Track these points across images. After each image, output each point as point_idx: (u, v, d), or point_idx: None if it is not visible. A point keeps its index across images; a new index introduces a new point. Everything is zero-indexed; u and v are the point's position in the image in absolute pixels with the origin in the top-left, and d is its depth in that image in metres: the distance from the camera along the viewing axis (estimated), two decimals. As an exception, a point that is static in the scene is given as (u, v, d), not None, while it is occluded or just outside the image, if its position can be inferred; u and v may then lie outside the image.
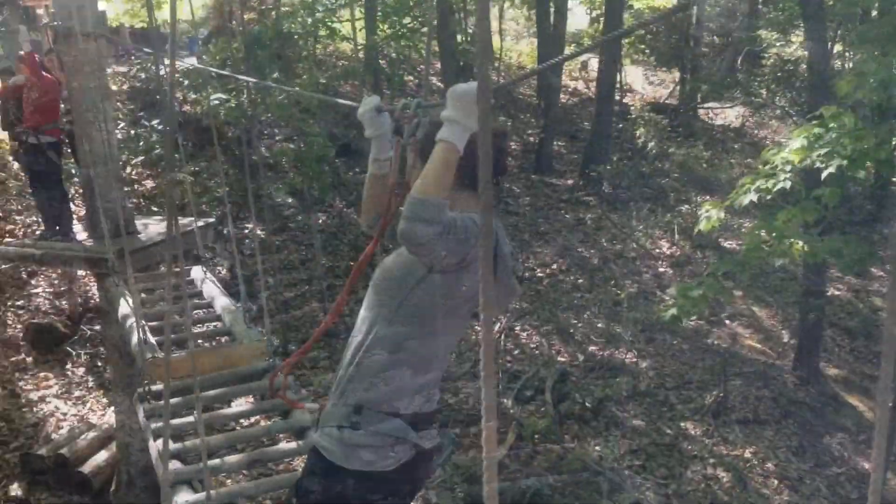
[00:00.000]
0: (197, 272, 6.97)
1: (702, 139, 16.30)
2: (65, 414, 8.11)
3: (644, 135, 15.23)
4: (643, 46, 20.05)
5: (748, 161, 16.24)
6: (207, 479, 3.18)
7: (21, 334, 8.91)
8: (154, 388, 4.62)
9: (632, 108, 17.75)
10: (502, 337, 10.23)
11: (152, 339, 5.12)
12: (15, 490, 7.10)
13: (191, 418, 4.46)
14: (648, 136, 15.14)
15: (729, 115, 19.56)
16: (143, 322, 5.38)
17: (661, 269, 12.40)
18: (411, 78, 17.78)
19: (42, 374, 8.51)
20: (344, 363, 2.28)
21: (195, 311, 6.61)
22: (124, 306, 5.94)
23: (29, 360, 8.65)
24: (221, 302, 6.37)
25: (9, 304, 9.32)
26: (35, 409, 8.06)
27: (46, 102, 7.37)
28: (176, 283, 6.96)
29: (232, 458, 4.68)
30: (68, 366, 8.74)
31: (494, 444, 0.80)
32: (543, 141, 15.59)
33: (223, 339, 6.17)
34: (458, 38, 16.08)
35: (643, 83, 21.17)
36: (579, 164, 15.33)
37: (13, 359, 8.59)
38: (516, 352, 10.06)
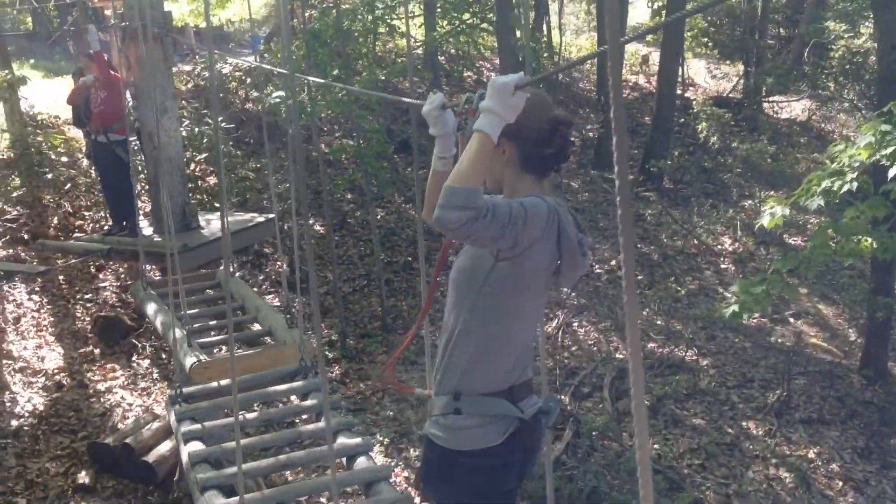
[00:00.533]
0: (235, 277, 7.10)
1: (766, 133, 15.92)
2: (130, 404, 8.33)
3: (706, 129, 14.95)
4: (706, 40, 19.67)
5: (814, 156, 15.83)
6: (240, 484, 3.23)
7: (89, 327, 9.19)
8: (186, 389, 4.70)
9: (694, 102, 17.45)
10: (560, 333, 10.18)
11: (196, 344, 5.21)
12: (83, 478, 7.31)
13: (223, 421, 4.53)
14: (711, 130, 14.86)
15: (795, 108, 19.08)
16: (180, 327, 5.47)
17: (723, 266, 12.17)
18: (470, 74, 17.78)
19: (109, 366, 8.76)
20: (438, 357, 2.43)
21: (237, 312, 6.72)
22: (152, 308, 6.05)
23: (97, 351, 8.90)
24: (257, 302, 6.48)
25: (78, 297, 9.61)
26: (102, 400, 8.30)
27: (114, 101, 7.56)
28: (200, 287, 7.12)
29: (263, 463, 4.74)
30: (134, 358, 8.98)
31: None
32: (603, 136, 15.44)
33: (268, 339, 6.26)
34: (517, 33, 16.01)
35: (706, 77, 20.77)
36: (639, 160, 15.13)
37: (82, 350, 8.85)
38: (574, 348, 9.99)
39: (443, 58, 16.29)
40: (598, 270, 11.69)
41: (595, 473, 7.68)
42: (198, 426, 4.48)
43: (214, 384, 5.04)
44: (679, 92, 16.60)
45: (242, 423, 5.28)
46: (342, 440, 4.42)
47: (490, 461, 2.32)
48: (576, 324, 10.51)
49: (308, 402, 4.83)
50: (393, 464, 7.59)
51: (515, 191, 2.33)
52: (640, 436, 0.95)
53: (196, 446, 4.15)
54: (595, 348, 9.96)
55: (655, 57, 18.51)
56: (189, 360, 4.98)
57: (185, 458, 4.10)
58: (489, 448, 2.31)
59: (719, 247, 12.68)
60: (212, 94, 10.18)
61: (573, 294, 11.12)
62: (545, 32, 18.32)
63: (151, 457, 7.47)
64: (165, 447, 7.65)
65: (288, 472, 6.83)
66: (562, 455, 8.08)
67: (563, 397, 8.96)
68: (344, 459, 4.39)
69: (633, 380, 0.96)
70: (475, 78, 17.15)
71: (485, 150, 2.08)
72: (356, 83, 10.98)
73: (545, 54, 15.63)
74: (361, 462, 4.13)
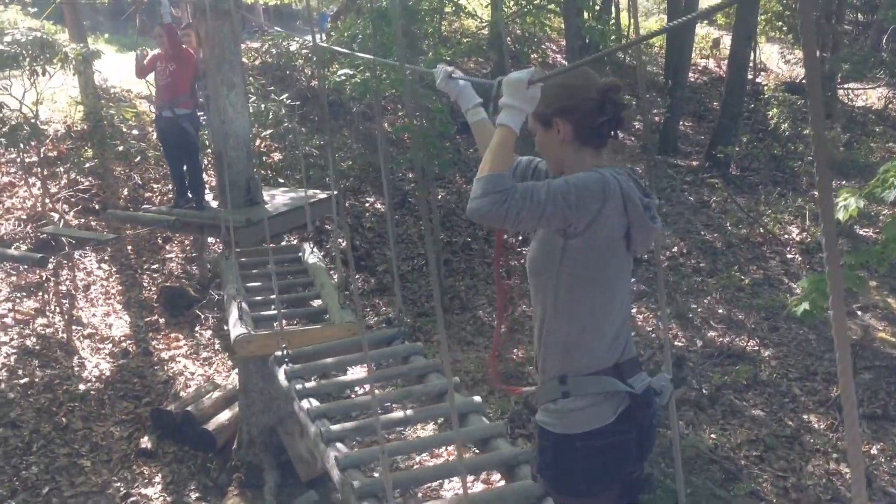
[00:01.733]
0: (305, 249, 7.17)
1: (840, 121, 15.43)
2: (192, 373, 8.55)
3: (777, 116, 14.56)
4: (780, 24, 19.12)
5: (889, 145, 15.30)
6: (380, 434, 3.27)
7: (155, 297, 9.43)
8: (292, 351, 4.82)
9: (765, 87, 17.00)
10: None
11: (248, 317, 5.30)
12: (145, 442, 7.55)
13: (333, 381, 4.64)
14: (782, 117, 14.47)
15: (871, 96, 18.44)
16: (242, 298, 5.58)
17: (790, 256, 11.88)
18: (536, 56, 17.62)
19: (173, 335, 9.00)
20: (535, 347, 2.44)
21: (297, 288, 6.81)
22: (225, 278, 6.18)
23: (161, 321, 9.15)
24: (323, 279, 6.53)
25: (144, 267, 9.88)
26: (165, 368, 8.53)
27: (182, 75, 7.67)
28: (279, 260, 7.23)
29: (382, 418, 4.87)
30: (197, 328, 9.20)
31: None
32: (669, 120, 15.16)
33: (325, 317, 6.33)
34: (585, 14, 15.80)
35: (778, 62, 20.20)
36: (706, 145, 14.82)
37: (147, 319, 9.10)
38: (632, 334, 9.85)
39: (509, 38, 16.16)
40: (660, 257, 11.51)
41: (650, 461, 7.60)
42: (313, 384, 4.63)
43: (317, 347, 5.15)
44: (750, 77, 16.18)
45: (349, 383, 5.42)
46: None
47: (606, 440, 2.29)
48: (634, 309, 10.39)
49: (409, 366, 4.89)
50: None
51: (577, 167, 2.32)
52: (850, 429, 0.94)
53: (310, 403, 4.29)
54: (654, 335, 9.84)
55: (727, 41, 18.07)
56: (235, 332, 5.09)
57: (302, 414, 4.24)
58: (604, 427, 2.28)
59: (786, 236, 12.38)
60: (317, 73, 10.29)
61: (632, 279, 10.99)
62: (613, 14, 18.03)
63: (211, 425, 7.67)
64: (225, 416, 7.84)
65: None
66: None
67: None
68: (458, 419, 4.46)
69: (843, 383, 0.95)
70: (540, 60, 16.97)
71: (507, 141, 2.17)
72: (422, 63, 10.97)
73: (612, 37, 15.38)
74: (475, 420, 4.15)
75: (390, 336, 5.31)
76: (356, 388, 6.42)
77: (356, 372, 6.89)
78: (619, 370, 2.33)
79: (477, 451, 4.23)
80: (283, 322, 5.19)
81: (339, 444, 3.89)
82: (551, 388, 2.35)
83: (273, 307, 6.67)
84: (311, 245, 7.33)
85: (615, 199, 2.18)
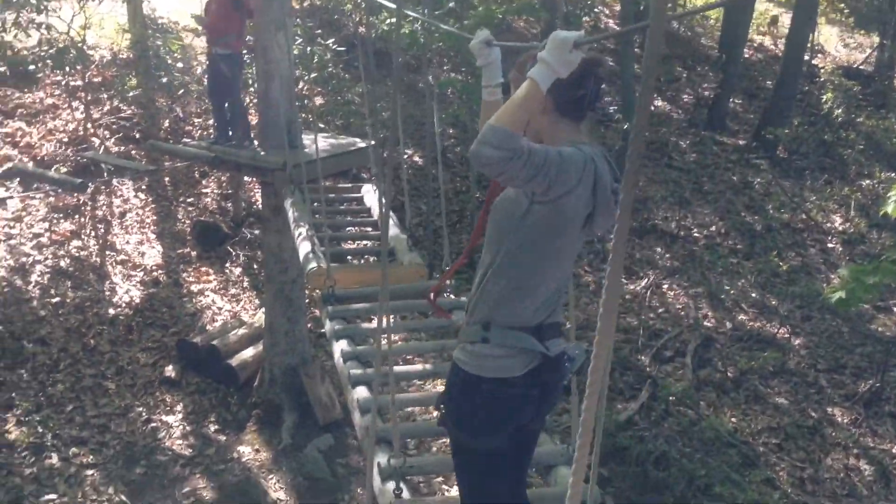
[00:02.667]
0: (367, 189, 7.11)
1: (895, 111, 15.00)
2: (220, 308, 8.62)
3: (831, 100, 14.18)
4: (842, 6, 18.55)
5: (945, 140, 14.86)
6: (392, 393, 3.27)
7: (188, 230, 9.49)
8: (337, 292, 4.80)
9: (821, 70, 16.55)
10: (648, 293, 9.98)
11: (319, 251, 5.27)
12: (170, 371, 7.65)
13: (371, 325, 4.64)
14: (836, 102, 14.08)
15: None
16: (313, 232, 5.57)
17: (830, 245, 11.65)
18: (588, 20, 17.28)
19: (203, 269, 9.06)
20: (473, 288, 2.55)
21: (363, 228, 6.78)
22: (292, 213, 6.14)
23: (193, 254, 9.21)
24: (389, 221, 6.48)
25: (180, 199, 9.92)
26: (194, 301, 8.61)
27: (222, 15, 7.57)
28: (342, 199, 7.19)
29: (412, 368, 4.83)
30: (227, 264, 9.25)
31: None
32: (719, 96, 14.81)
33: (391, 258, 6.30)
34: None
35: (837, 45, 19.65)
36: (755, 125, 14.49)
37: (179, 251, 9.17)
38: (661, 310, 9.78)
39: (562, -1, 15.85)
40: (695, 234, 11.35)
41: (667, 438, 7.57)
42: (350, 326, 4.63)
43: (365, 290, 5.15)
44: (806, 58, 15.74)
45: (390, 330, 5.42)
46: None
47: (509, 391, 2.43)
48: (665, 286, 10.27)
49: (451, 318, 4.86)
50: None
51: (555, 138, 2.41)
52: None
53: (346, 345, 4.29)
54: (683, 313, 9.74)
55: (786, 19, 17.59)
56: (310, 266, 5.08)
57: (337, 354, 4.26)
58: (510, 378, 2.42)
59: (828, 225, 12.12)
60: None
61: (666, 255, 10.86)
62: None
63: (235, 361, 7.76)
64: (249, 353, 7.91)
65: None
66: (634, 415, 7.99)
67: (642, 358, 8.83)
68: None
69: None
70: (592, 24, 16.63)
71: (532, 96, 2.18)
72: (471, 17, 10.80)
73: (668, 4, 15.02)
74: None
75: (420, 288, 5.28)
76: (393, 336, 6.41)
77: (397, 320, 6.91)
78: (539, 331, 2.45)
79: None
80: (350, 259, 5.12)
81: (362, 388, 3.89)
82: (474, 331, 2.48)
83: (336, 244, 6.66)
84: (374, 187, 7.26)
85: (588, 179, 2.29)
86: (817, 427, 8.06)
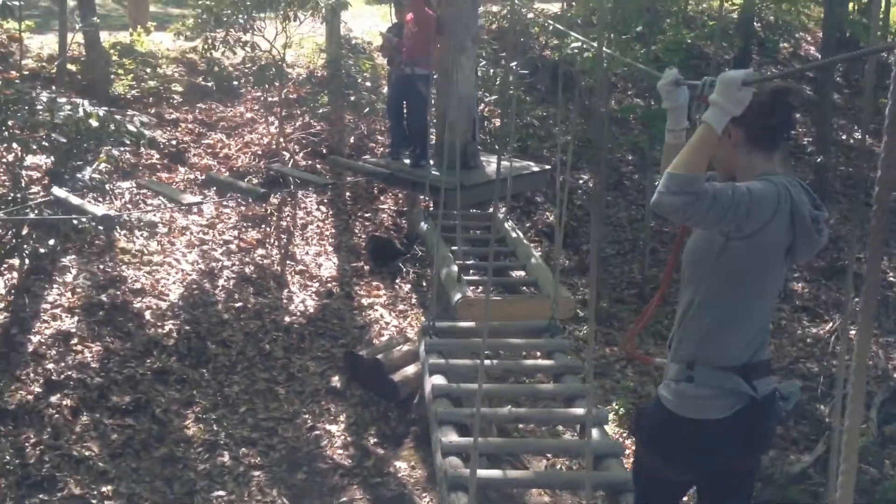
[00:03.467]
0: (504, 217, 7.09)
1: None
2: (387, 323, 8.82)
3: None
4: None
5: None
6: (476, 426, 3.23)
7: (363, 244, 9.80)
8: (439, 324, 4.79)
9: None
10: (833, 338, 9.30)
11: (463, 280, 5.28)
12: (336, 381, 7.91)
13: (468, 361, 4.57)
14: None
15: None
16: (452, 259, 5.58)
17: None
18: (787, 46, 16.40)
19: (375, 284, 9.31)
20: (674, 327, 2.55)
21: (506, 258, 6.74)
22: (433, 237, 6.19)
23: (366, 268, 9.49)
24: (528, 251, 6.41)
25: (358, 214, 10.28)
26: (364, 314, 8.86)
27: (423, 37, 7.79)
28: (476, 226, 7.18)
29: (500, 411, 4.73)
30: (397, 280, 9.47)
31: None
32: None
33: (530, 290, 6.23)
34: (851, 5, 14.48)
35: None
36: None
37: (353, 265, 9.49)
38: (846, 357, 9.05)
39: (758, 24, 15.11)
40: (890, 278, 10.46)
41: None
42: (444, 361, 4.61)
43: (464, 324, 5.13)
44: None
45: (485, 369, 5.37)
46: (577, 409, 4.35)
47: (709, 433, 2.39)
48: (853, 332, 9.50)
49: (549, 362, 4.77)
50: (626, 435, 7.42)
51: (749, 171, 2.37)
52: None
53: (439, 380, 4.28)
54: (871, 362, 8.98)
55: None
56: (457, 295, 5.10)
57: (428, 389, 4.25)
58: (714, 420, 2.38)
59: None
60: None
61: (856, 299, 10.06)
62: (882, 8, 16.36)
63: (397, 376, 7.89)
64: (411, 370, 8.03)
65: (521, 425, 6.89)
66: (809, 468, 7.49)
67: (821, 407, 8.25)
68: (578, 427, 4.33)
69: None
70: (791, 51, 15.76)
71: (708, 140, 2.19)
72: (660, 42, 10.52)
73: (878, 33, 13.97)
74: (594, 433, 4.02)
75: (542, 327, 5.14)
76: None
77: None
78: (746, 370, 2.39)
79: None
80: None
81: (448, 428, 3.84)
82: (679, 369, 2.46)
83: (472, 272, 6.70)
84: (508, 215, 7.23)
85: (784, 211, 2.25)
86: None
